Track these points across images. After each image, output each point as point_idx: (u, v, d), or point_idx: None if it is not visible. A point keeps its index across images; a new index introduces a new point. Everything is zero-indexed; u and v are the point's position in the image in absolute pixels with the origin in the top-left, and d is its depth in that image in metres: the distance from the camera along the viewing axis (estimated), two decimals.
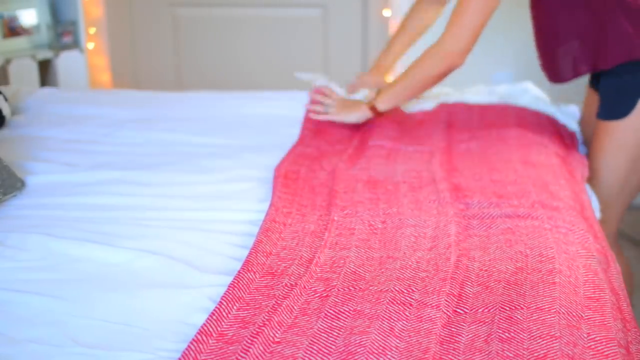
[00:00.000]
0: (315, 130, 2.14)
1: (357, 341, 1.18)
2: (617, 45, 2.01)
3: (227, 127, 2.20)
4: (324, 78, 2.39)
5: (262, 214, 1.65)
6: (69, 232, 1.58)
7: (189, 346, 1.19)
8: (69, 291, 1.38)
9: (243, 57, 3.53)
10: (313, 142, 2.05)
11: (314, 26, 3.47)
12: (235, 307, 1.29)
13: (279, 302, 1.30)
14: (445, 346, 1.19)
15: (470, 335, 1.21)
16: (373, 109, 2.12)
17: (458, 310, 1.28)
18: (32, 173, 1.88)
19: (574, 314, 1.25)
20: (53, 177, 1.87)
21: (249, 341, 1.19)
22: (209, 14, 3.52)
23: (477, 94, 2.34)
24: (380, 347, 1.17)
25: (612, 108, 2.09)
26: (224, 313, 1.27)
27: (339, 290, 1.34)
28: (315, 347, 1.18)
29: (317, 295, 1.33)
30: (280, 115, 2.29)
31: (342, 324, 1.24)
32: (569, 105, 2.32)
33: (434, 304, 1.29)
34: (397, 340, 1.19)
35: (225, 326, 1.25)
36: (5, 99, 2.27)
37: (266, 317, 1.25)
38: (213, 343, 1.20)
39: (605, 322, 1.24)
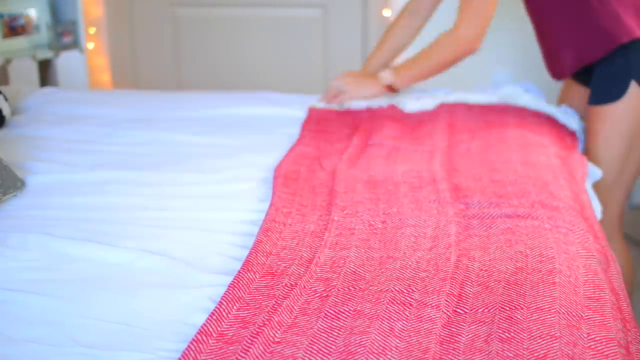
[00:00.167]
0: (316, 130, 2.14)
1: (357, 341, 1.18)
2: (609, 30, 2.05)
3: (227, 127, 2.20)
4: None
5: (262, 214, 1.65)
6: (69, 232, 1.58)
7: (189, 346, 1.19)
8: (69, 291, 1.38)
9: (243, 57, 3.53)
10: (313, 142, 2.05)
11: (314, 26, 3.47)
12: (235, 307, 1.29)
13: (279, 302, 1.30)
14: (445, 346, 1.19)
15: (470, 335, 1.21)
16: (389, 87, 2.21)
17: (458, 310, 1.29)
18: (32, 173, 1.88)
19: (574, 314, 1.25)
20: (53, 177, 1.87)
21: (249, 341, 1.19)
22: (209, 14, 3.52)
23: (476, 95, 2.34)
24: (380, 347, 1.17)
25: (605, 92, 2.13)
26: (224, 313, 1.27)
27: (339, 290, 1.34)
28: (315, 347, 1.18)
29: (317, 295, 1.33)
30: (280, 116, 2.29)
31: (342, 324, 1.24)
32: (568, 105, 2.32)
33: (434, 304, 1.29)
34: (397, 340, 1.19)
35: (225, 326, 1.25)
36: (5, 99, 2.27)
37: (266, 317, 1.25)
38: (213, 343, 1.20)
39: (605, 322, 1.24)
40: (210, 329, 1.23)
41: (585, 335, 1.20)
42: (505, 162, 1.85)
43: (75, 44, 3.19)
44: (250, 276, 1.38)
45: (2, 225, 1.63)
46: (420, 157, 1.91)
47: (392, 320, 1.24)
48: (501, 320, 1.24)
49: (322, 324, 1.23)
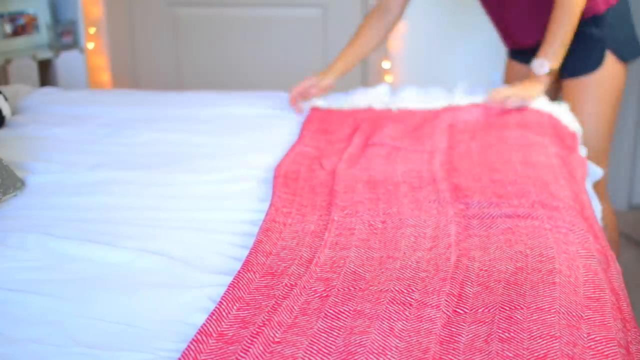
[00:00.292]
0: (316, 129, 2.14)
1: (357, 341, 1.18)
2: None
3: (227, 127, 2.20)
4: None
5: (262, 214, 1.65)
6: (69, 232, 1.58)
7: (189, 346, 1.19)
8: (69, 291, 1.38)
9: (243, 57, 3.53)
10: (313, 142, 2.05)
11: (314, 26, 3.47)
12: (235, 307, 1.29)
13: (279, 302, 1.30)
14: (445, 346, 1.19)
15: (470, 335, 1.21)
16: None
17: (458, 310, 1.29)
18: (32, 173, 1.88)
19: (574, 313, 1.25)
20: (53, 177, 1.87)
21: (249, 341, 1.19)
22: (209, 14, 3.51)
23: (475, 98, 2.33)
24: (380, 347, 1.17)
25: (582, 63, 2.20)
26: (224, 313, 1.27)
27: (339, 290, 1.34)
28: (315, 347, 1.18)
29: (317, 295, 1.33)
30: (280, 115, 2.29)
31: (342, 324, 1.24)
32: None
33: (434, 304, 1.29)
34: (397, 340, 1.19)
35: (225, 326, 1.25)
36: (5, 99, 2.27)
37: (266, 317, 1.25)
38: (213, 343, 1.20)
39: (605, 322, 1.24)
40: (210, 329, 1.23)
41: (585, 335, 1.20)
42: (505, 162, 1.85)
43: (75, 44, 3.19)
44: (250, 276, 1.38)
45: (2, 225, 1.63)
46: (420, 157, 1.91)
47: (392, 320, 1.24)
48: (501, 320, 1.24)
49: (322, 324, 1.23)
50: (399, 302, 1.29)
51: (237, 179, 1.85)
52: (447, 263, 1.41)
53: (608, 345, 1.18)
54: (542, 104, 2.21)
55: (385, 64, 3.33)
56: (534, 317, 1.23)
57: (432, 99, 2.33)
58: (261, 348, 1.17)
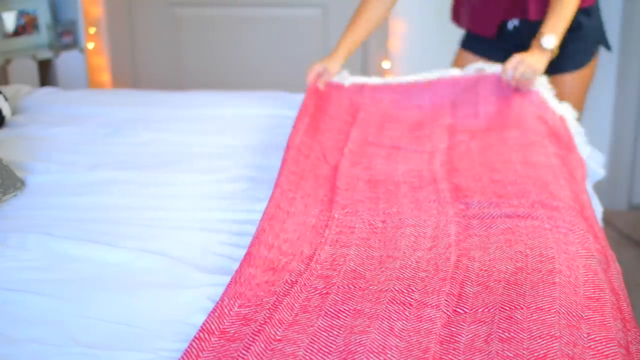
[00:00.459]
0: (316, 106, 2.14)
1: (357, 340, 1.18)
2: None
3: (227, 127, 2.20)
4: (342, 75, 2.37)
5: (261, 213, 1.65)
6: (69, 232, 1.58)
7: (191, 344, 1.19)
8: (69, 291, 1.38)
9: (243, 57, 3.53)
10: (314, 121, 2.05)
11: (314, 26, 3.46)
12: (237, 304, 1.30)
13: (279, 299, 1.31)
14: (445, 346, 1.19)
15: (470, 335, 1.22)
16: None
17: (458, 310, 1.29)
18: (32, 173, 1.88)
19: (574, 313, 1.25)
20: (53, 177, 1.87)
21: (251, 339, 1.20)
22: (209, 14, 3.51)
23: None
24: (381, 347, 1.17)
25: (577, 57, 2.27)
26: (225, 310, 1.28)
27: (338, 288, 1.35)
28: (315, 346, 1.18)
29: (317, 292, 1.34)
30: (280, 115, 2.29)
31: (342, 323, 1.24)
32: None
33: (433, 304, 1.29)
34: (397, 340, 1.19)
35: (227, 324, 1.25)
36: (5, 99, 2.27)
37: (267, 315, 1.26)
38: (215, 341, 1.21)
39: (605, 322, 1.25)
40: (213, 327, 1.23)
41: (585, 336, 1.20)
42: (505, 163, 1.85)
43: (75, 44, 3.18)
44: (252, 271, 1.38)
45: (2, 225, 1.63)
46: (420, 158, 1.91)
47: (392, 320, 1.24)
48: (501, 320, 1.24)
49: (323, 323, 1.24)
50: (398, 301, 1.29)
51: (237, 179, 1.85)
52: (447, 263, 1.41)
53: (608, 345, 1.18)
54: (547, 96, 2.20)
55: (385, 64, 3.33)
56: (534, 317, 1.23)
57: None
58: (262, 346, 1.18)
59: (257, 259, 1.42)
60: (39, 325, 1.28)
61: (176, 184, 1.83)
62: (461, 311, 1.28)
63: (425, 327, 1.23)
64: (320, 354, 1.17)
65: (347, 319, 1.25)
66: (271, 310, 1.27)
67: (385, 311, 1.26)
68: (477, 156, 1.91)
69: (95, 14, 3.31)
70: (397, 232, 1.55)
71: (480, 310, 1.28)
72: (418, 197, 1.69)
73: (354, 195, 1.70)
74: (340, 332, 1.22)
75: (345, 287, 1.35)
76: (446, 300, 1.30)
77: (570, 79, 2.31)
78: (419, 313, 1.27)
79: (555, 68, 2.27)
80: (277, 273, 1.40)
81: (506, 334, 1.20)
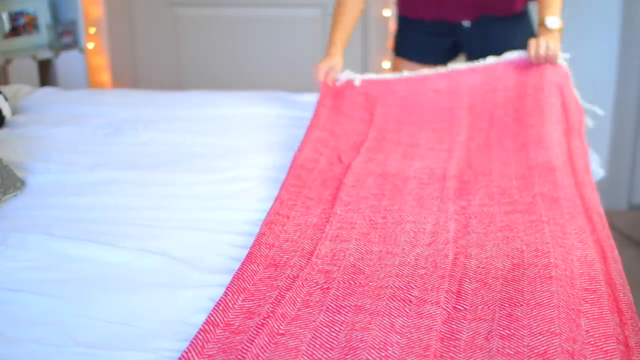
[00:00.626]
0: (331, 108, 2.14)
1: (359, 337, 1.20)
2: None
3: (227, 127, 2.20)
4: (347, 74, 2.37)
5: (262, 213, 1.65)
6: (69, 232, 1.58)
7: (196, 336, 1.21)
8: (69, 291, 1.38)
9: (243, 57, 3.53)
10: (328, 125, 2.05)
11: (314, 26, 3.47)
12: (240, 298, 1.31)
13: (282, 293, 1.32)
14: (445, 343, 1.20)
15: (471, 333, 1.22)
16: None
17: (457, 306, 1.30)
18: (32, 173, 1.88)
19: (573, 307, 1.26)
20: (53, 177, 1.87)
21: (255, 332, 1.21)
22: (209, 14, 3.51)
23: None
24: (382, 343, 1.18)
25: (522, 48, 2.26)
26: (229, 303, 1.29)
27: (339, 283, 1.36)
28: (318, 341, 1.20)
29: (318, 287, 1.35)
30: (280, 115, 2.29)
31: (343, 319, 1.25)
32: None
33: (433, 301, 1.30)
34: (398, 337, 1.20)
35: (231, 316, 1.27)
36: (5, 99, 2.27)
37: (270, 309, 1.27)
38: (220, 333, 1.23)
39: (603, 316, 1.25)
40: (217, 319, 1.25)
41: (584, 332, 1.21)
42: (520, 149, 1.86)
43: (75, 44, 3.18)
44: (254, 268, 1.40)
45: (2, 225, 1.63)
46: (437, 156, 1.91)
47: (392, 317, 1.25)
48: (501, 318, 1.25)
49: (324, 318, 1.25)
50: (399, 298, 1.30)
51: (237, 179, 1.85)
52: (445, 260, 1.42)
53: (607, 342, 1.19)
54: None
55: (385, 64, 3.33)
56: (534, 313, 1.24)
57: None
58: (266, 339, 1.19)
59: (259, 257, 1.44)
60: (39, 325, 1.28)
61: (176, 184, 1.83)
62: (461, 308, 1.29)
63: (425, 323, 1.24)
64: (323, 349, 1.18)
65: (348, 314, 1.26)
66: (274, 305, 1.28)
67: (385, 308, 1.27)
68: (494, 146, 1.92)
69: (95, 14, 3.31)
70: (396, 227, 1.56)
71: (479, 307, 1.29)
72: (422, 194, 1.71)
73: (359, 192, 1.71)
74: (342, 327, 1.23)
75: (346, 282, 1.36)
76: (445, 297, 1.31)
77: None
78: (419, 310, 1.27)
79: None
80: (279, 269, 1.41)
81: (506, 331, 1.21)
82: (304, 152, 1.90)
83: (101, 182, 1.83)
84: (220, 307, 1.28)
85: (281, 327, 1.23)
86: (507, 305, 1.28)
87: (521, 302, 1.28)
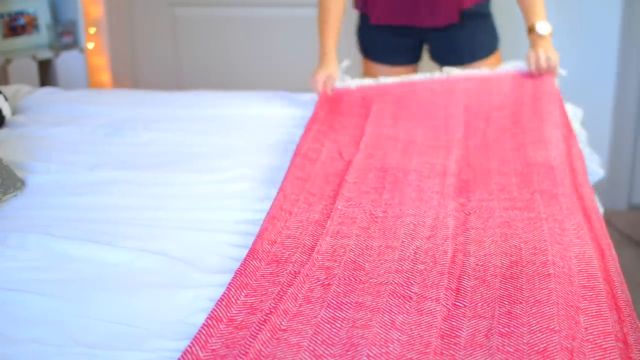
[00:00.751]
0: (328, 109, 2.15)
1: (360, 334, 1.20)
2: None
3: (227, 127, 2.20)
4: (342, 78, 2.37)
5: (261, 213, 1.65)
6: (69, 232, 1.58)
7: (200, 330, 1.22)
8: (69, 291, 1.38)
9: (243, 57, 3.53)
10: (327, 121, 2.06)
11: (314, 26, 3.46)
12: (243, 294, 1.32)
13: (284, 289, 1.33)
14: (446, 340, 1.21)
15: (471, 330, 1.23)
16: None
17: (457, 303, 1.30)
18: (32, 173, 1.88)
19: (571, 304, 1.27)
20: (53, 177, 1.87)
21: (257, 327, 1.22)
22: (209, 14, 3.51)
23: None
24: (383, 340, 1.19)
25: (485, 45, 2.36)
26: (232, 299, 1.30)
27: (340, 279, 1.37)
28: (319, 337, 1.21)
29: (319, 283, 1.36)
30: (280, 115, 2.29)
31: (344, 315, 1.26)
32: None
33: (433, 297, 1.31)
34: (399, 334, 1.21)
35: (234, 312, 1.28)
36: (5, 99, 2.27)
37: (273, 305, 1.28)
38: (223, 328, 1.24)
39: (602, 313, 1.26)
40: (221, 314, 1.26)
41: (584, 329, 1.21)
42: (518, 149, 1.86)
43: (75, 44, 3.18)
44: (256, 264, 1.41)
45: (2, 225, 1.63)
46: (436, 153, 1.92)
47: (393, 313, 1.26)
48: (501, 315, 1.25)
49: (325, 314, 1.26)
50: (399, 295, 1.31)
51: (237, 179, 1.85)
52: (444, 257, 1.43)
53: (606, 339, 1.19)
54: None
55: None
56: (533, 311, 1.25)
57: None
58: (268, 335, 1.20)
59: (261, 253, 1.45)
60: (39, 325, 1.28)
61: (176, 184, 1.83)
62: (460, 305, 1.30)
63: (425, 320, 1.24)
64: (324, 345, 1.19)
65: (349, 311, 1.27)
66: (276, 300, 1.30)
67: (386, 304, 1.28)
68: (492, 144, 1.92)
69: (95, 14, 3.31)
70: (397, 221, 1.57)
71: (479, 304, 1.29)
72: (423, 187, 1.72)
73: (360, 188, 1.72)
74: (343, 324, 1.24)
75: (346, 278, 1.37)
76: (445, 294, 1.31)
77: (488, 64, 2.37)
78: (419, 306, 1.28)
79: (470, 57, 2.36)
80: (281, 265, 1.43)
81: (506, 329, 1.21)
82: (306, 142, 1.92)
83: (101, 182, 1.83)
84: (224, 303, 1.29)
85: (283, 323, 1.24)
86: (506, 302, 1.28)
87: (520, 300, 1.28)
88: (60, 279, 1.42)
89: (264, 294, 1.33)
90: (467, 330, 1.23)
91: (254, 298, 1.32)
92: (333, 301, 1.30)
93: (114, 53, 3.46)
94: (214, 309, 1.27)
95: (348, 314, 1.26)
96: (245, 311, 1.28)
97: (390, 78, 2.35)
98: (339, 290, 1.34)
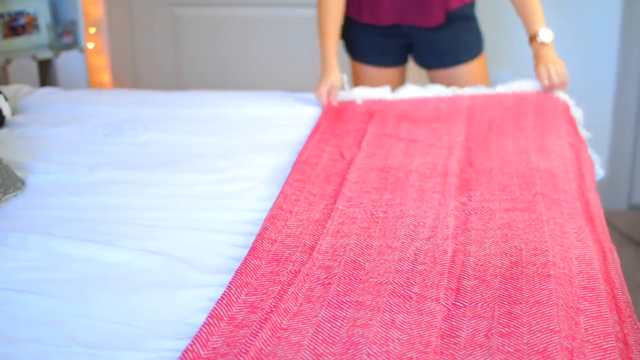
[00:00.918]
0: (332, 119, 2.16)
1: (360, 333, 1.21)
2: None
3: (227, 127, 2.20)
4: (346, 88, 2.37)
5: (262, 213, 1.65)
6: (69, 232, 1.58)
7: (201, 329, 1.22)
8: (69, 291, 1.38)
9: (243, 57, 3.53)
10: (329, 129, 2.07)
11: (314, 26, 3.46)
12: (244, 293, 1.33)
13: (284, 288, 1.34)
14: (445, 340, 1.21)
15: (471, 330, 1.23)
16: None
17: (457, 303, 1.31)
18: (32, 173, 1.88)
19: (572, 305, 1.27)
20: (53, 177, 1.87)
21: (258, 326, 1.22)
22: (209, 14, 3.51)
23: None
24: (383, 339, 1.19)
25: (470, 48, 2.36)
26: (233, 298, 1.31)
27: (340, 278, 1.37)
28: (320, 336, 1.21)
29: (319, 282, 1.36)
30: (280, 115, 2.29)
31: (344, 314, 1.27)
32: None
33: (433, 297, 1.31)
34: (399, 333, 1.21)
35: (235, 310, 1.28)
36: (5, 99, 2.27)
37: (273, 303, 1.29)
38: (224, 326, 1.24)
39: (602, 314, 1.26)
40: (221, 313, 1.26)
41: (584, 330, 1.21)
42: (520, 153, 1.86)
43: (75, 44, 3.18)
44: (257, 262, 1.41)
45: (2, 225, 1.63)
46: (438, 152, 1.92)
47: (393, 313, 1.26)
48: (501, 315, 1.25)
49: (326, 313, 1.27)
50: (399, 294, 1.31)
51: (237, 179, 1.85)
52: (444, 256, 1.43)
53: (606, 340, 1.20)
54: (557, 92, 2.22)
55: None
56: (533, 311, 1.25)
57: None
58: (269, 333, 1.20)
59: (261, 252, 1.45)
60: (39, 325, 1.28)
61: (176, 184, 1.83)
62: (460, 305, 1.30)
63: (425, 320, 1.25)
64: (325, 344, 1.19)
65: (349, 310, 1.28)
66: (277, 299, 1.30)
67: (386, 304, 1.28)
68: (493, 146, 1.92)
69: (95, 14, 3.31)
70: (397, 221, 1.57)
71: (479, 304, 1.29)
72: (424, 187, 1.72)
73: (362, 187, 1.73)
74: (344, 323, 1.24)
75: (346, 278, 1.38)
76: (445, 294, 1.32)
77: (472, 67, 2.39)
78: (419, 306, 1.29)
79: (454, 59, 2.37)
80: (281, 264, 1.43)
81: (506, 329, 1.21)
82: (307, 150, 1.92)
83: (101, 182, 1.83)
84: (224, 301, 1.29)
85: (284, 321, 1.25)
86: (506, 302, 1.29)
87: (520, 300, 1.28)
88: (60, 279, 1.42)
89: (264, 292, 1.34)
90: (467, 330, 1.23)
91: (254, 297, 1.32)
92: (333, 300, 1.30)
93: (114, 53, 3.46)
94: (214, 308, 1.28)
95: (348, 313, 1.27)
96: (246, 310, 1.29)
97: (394, 95, 2.33)
98: (339, 289, 1.34)
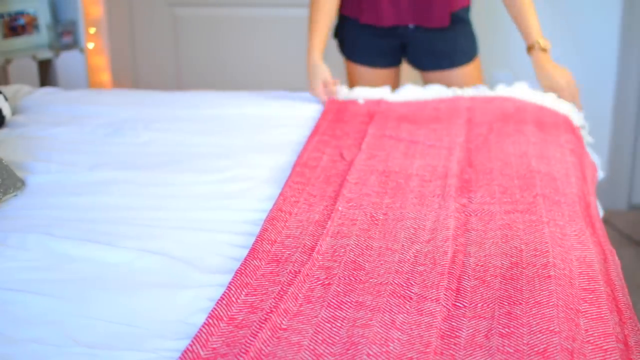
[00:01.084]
0: (332, 119, 2.16)
1: (360, 333, 1.21)
2: None
3: (227, 127, 2.20)
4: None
5: (262, 213, 1.65)
6: (69, 232, 1.58)
7: (200, 329, 1.22)
8: (69, 291, 1.38)
9: (243, 57, 3.53)
10: (329, 131, 2.07)
11: None
12: (243, 293, 1.33)
13: (284, 288, 1.34)
14: (445, 340, 1.21)
15: (471, 330, 1.23)
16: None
17: (457, 304, 1.31)
18: (32, 173, 1.88)
19: (572, 306, 1.27)
20: (53, 177, 1.87)
21: (258, 326, 1.22)
22: (209, 14, 3.51)
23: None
24: (383, 339, 1.19)
25: (465, 52, 2.38)
26: (233, 298, 1.31)
27: (340, 279, 1.37)
28: (319, 336, 1.21)
29: (319, 282, 1.36)
30: (280, 115, 2.29)
31: (344, 314, 1.27)
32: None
33: (433, 298, 1.31)
34: (399, 333, 1.21)
35: (235, 310, 1.28)
36: (5, 99, 2.27)
37: (273, 304, 1.28)
38: (224, 327, 1.24)
39: (602, 315, 1.26)
40: (221, 313, 1.26)
41: (584, 331, 1.22)
42: (521, 156, 1.86)
43: (75, 44, 3.18)
44: (257, 263, 1.42)
45: (2, 225, 1.63)
46: (438, 153, 1.92)
47: (393, 313, 1.26)
48: (501, 316, 1.25)
49: (326, 314, 1.27)
50: (399, 295, 1.31)
51: (237, 179, 1.85)
52: (444, 257, 1.43)
53: (606, 340, 1.20)
54: (557, 104, 2.22)
55: None
56: (533, 312, 1.25)
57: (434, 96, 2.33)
58: (269, 334, 1.20)
59: (261, 253, 1.45)
60: (39, 325, 1.28)
61: (176, 184, 1.83)
62: (460, 305, 1.30)
63: (425, 320, 1.25)
64: (325, 345, 1.19)
65: (349, 310, 1.28)
66: (277, 300, 1.30)
67: (386, 304, 1.29)
68: (494, 147, 1.92)
69: (95, 14, 3.31)
70: (397, 224, 1.57)
71: (479, 305, 1.30)
72: (424, 192, 1.72)
73: (362, 189, 1.73)
74: (344, 323, 1.24)
75: (346, 278, 1.38)
76: (445, 295, 1.32)
77: (467, 71, 2.40)
78: (419, 306, 1.29)
79: (449, 62, 2.38)
80: (281, 264, 1.43)
81: (506, 330, 1.22)
82: (307, 151, 1.92)
83: (101, 182, 1.83)
84: (224, 302, 1.29)
85: (284, 322, 1.25)
86: (506, 303, 1.29)
87: (520, 301, 1.28)
88: (60, 279, 1.42)
89: (264, 293, 1.34)
90: (467, 330, 1.23)
91: (254, 297, 1.33)
92: (333, 300, 1.31)
93: (114, 53, 3.46)
94: (214, 308, 1.28)
95: (348, 314, 1.27)
96: (245, 310, 1.29)
97: (395, 95, 2.32)
98: (339, 289, 1.34)
